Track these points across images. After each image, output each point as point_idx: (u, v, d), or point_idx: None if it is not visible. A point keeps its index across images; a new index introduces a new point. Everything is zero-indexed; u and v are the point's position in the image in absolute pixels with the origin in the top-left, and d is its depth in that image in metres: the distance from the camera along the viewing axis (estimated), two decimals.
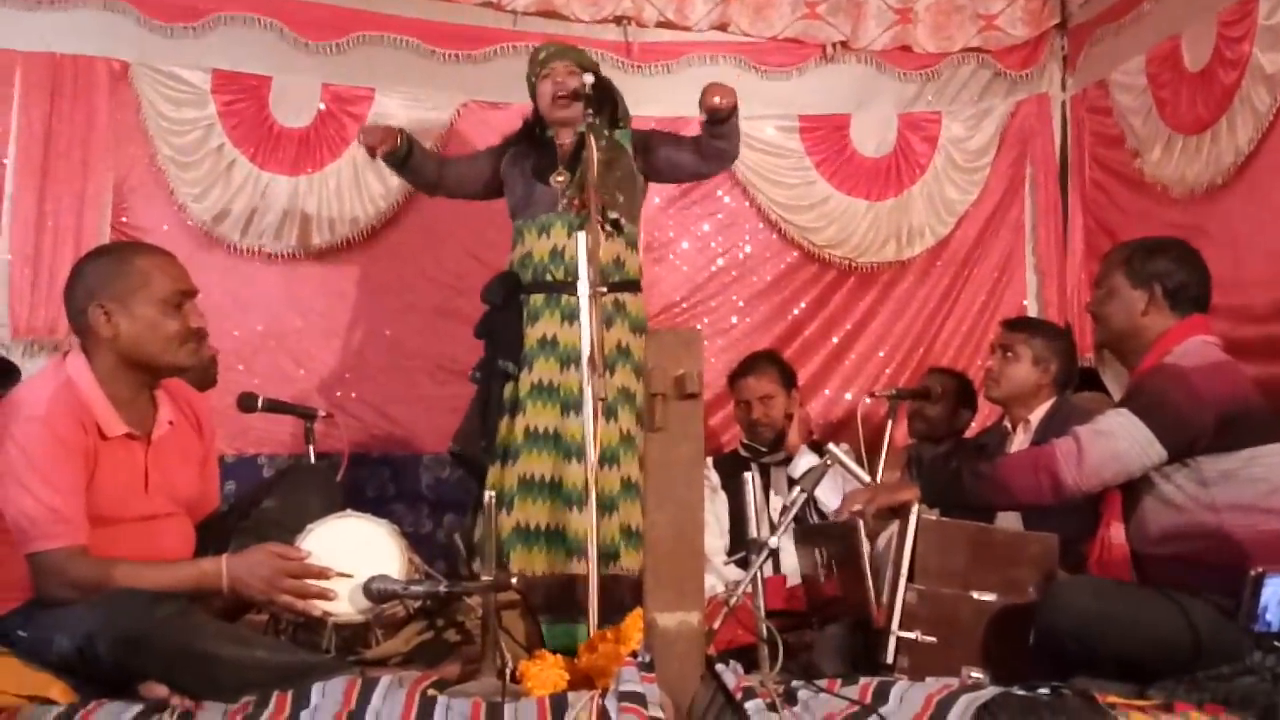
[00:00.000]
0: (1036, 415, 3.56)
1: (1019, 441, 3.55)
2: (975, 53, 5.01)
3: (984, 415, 4.47)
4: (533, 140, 3.93)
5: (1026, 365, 3.58)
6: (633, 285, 3.82)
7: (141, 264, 2.55)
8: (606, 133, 3.81)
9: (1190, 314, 2.80)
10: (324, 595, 2.42)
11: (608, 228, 3.69)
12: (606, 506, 3.64)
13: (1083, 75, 4.86)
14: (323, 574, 2.43)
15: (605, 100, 3.83)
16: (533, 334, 3.73)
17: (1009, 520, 3.14)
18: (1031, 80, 5.01)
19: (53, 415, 2.40)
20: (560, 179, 3.63)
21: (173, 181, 4.46)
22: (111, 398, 2.51)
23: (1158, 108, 4.22)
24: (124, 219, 4.43)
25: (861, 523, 2.70)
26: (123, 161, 4.44)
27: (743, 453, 4.31)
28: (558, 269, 3.70)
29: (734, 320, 5.00)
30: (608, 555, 3.60)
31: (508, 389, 3.72)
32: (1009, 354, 3.60)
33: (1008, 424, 3.66)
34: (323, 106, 4.63)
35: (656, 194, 4.81)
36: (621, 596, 3.32)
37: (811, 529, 3.38)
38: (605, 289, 3.45)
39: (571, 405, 3.60)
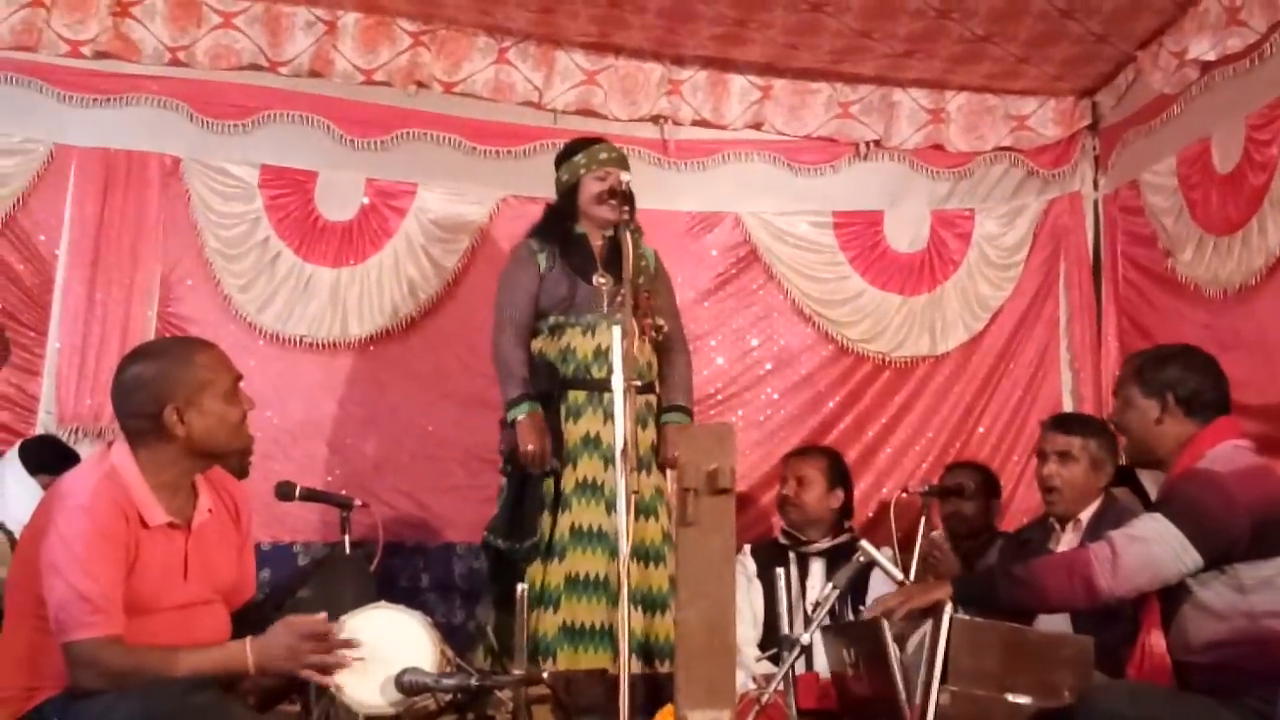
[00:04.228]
0: (1086, 514, 3.47)
1: (1068, 540, 3.44)
2: (1007, 152, 5.05)
3: (1021, 510, 4.43)
4: (563, 235, 3.96)
5: (1084, 469, 3.47)
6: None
7: (201, 360, 2.61)
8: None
9: (1213, 418, 2.78)
10: (345, 662, 2.42)
11: (654, 334, 3.73)
12: (658, 605, 3.67)
13: (1115, 175, 4.87)
14: (346, 644, 2.44)
15: (632, 206, 3.92)
16: (575, 431, 3.76)
17: (1056, 624, 3.09)
18: (1064, 179, 5.04)
19: (95, 505, 2.44)
20: (603, 280, 3.68)
21: (219, 273, 4.57)
22: (155, 487, 2.54)
23: (1189, 208, 4.22)
24: (170, 309, 4.53)
25: (886, 622, 2.68)
26: (171, 253, 4.55)
27: (782, 540, 4.29)
28: (601, 369, 3.73)
29: (769, 413, 5.00)
30: (661, 653, 3.60)
31: (546, 484, 3.74)
32: (1066, 459, 3.48)
33: (1054, 521, 3.56)
34: (366, 200, 4.74)
35: (691, 288, 4.87)
36: (670, 695, 3.31)
37: (838, 627, 3.34)
38: (640, 384, 3.49)
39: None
